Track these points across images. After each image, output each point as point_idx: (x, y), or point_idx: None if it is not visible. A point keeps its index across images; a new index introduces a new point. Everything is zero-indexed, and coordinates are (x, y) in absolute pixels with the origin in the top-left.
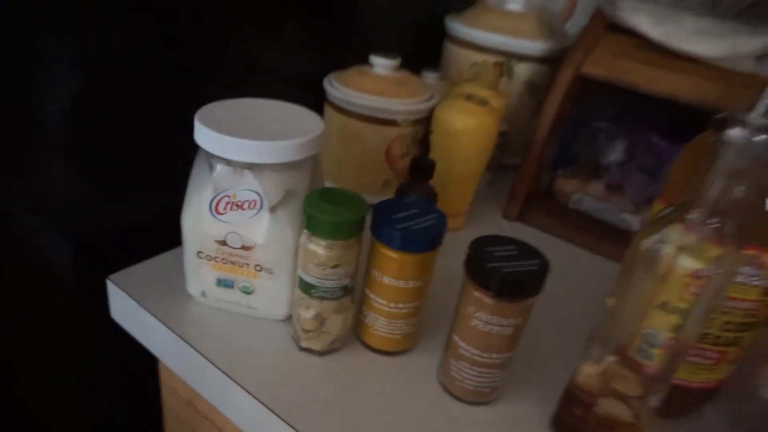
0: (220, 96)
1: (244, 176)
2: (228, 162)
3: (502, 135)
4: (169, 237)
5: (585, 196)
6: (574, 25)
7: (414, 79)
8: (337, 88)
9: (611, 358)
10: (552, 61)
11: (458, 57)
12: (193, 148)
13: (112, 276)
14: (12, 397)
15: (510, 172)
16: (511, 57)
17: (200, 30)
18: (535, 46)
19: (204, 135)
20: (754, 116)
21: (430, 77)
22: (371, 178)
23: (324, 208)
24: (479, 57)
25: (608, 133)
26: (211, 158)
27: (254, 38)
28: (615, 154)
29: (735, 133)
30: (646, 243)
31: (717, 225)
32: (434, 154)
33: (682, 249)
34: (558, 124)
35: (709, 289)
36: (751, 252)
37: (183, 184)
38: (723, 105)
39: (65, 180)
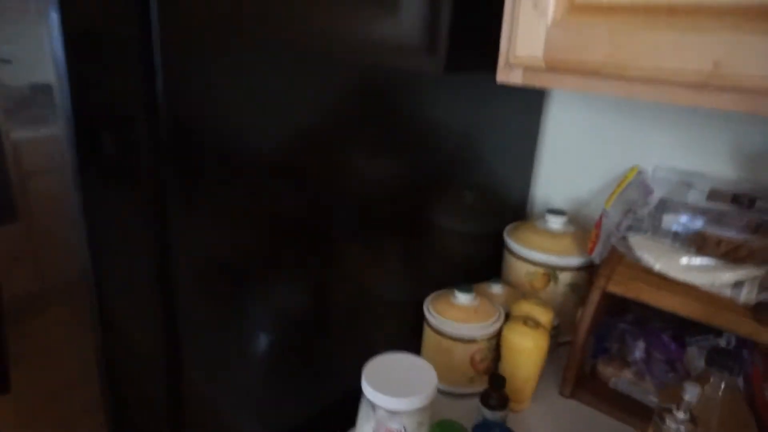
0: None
1: (395, 416)
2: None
3: (555, 327)
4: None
5: (620, 380)
6: (597, 254)
7: (487, 305)
8: (433, 315)
9: None
10: (586, 269)
11: (515, 266)
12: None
13: None
14: None
15: (563, 348)
16: (555, 269)
17: (341, 277)
18: (573, 260)
19: (369, 391)
20: (679, 414)
21: (496, 287)
22: (460, 376)
23: None
24: (532, 268)
25: (631, 333)
26: (374, 403)
27: (378, 277)
28: (638, 351)
29: (670, 423)
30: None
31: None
32: (503, 360)
33: None
34: (592, 328)
35: None
36: None
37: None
38: (709, 320)
39: (266, 388)
